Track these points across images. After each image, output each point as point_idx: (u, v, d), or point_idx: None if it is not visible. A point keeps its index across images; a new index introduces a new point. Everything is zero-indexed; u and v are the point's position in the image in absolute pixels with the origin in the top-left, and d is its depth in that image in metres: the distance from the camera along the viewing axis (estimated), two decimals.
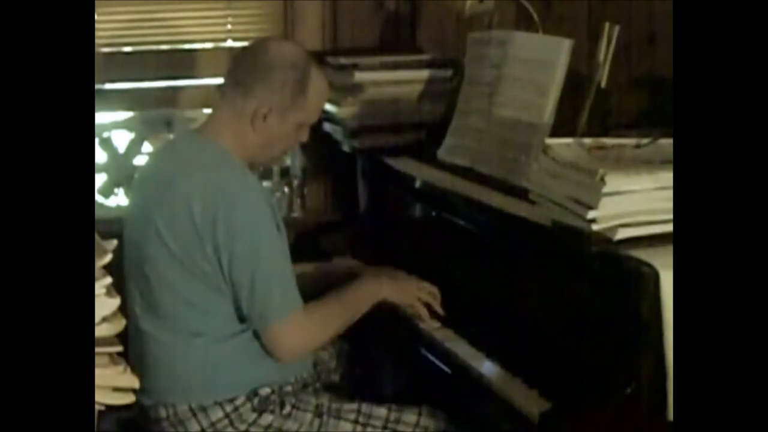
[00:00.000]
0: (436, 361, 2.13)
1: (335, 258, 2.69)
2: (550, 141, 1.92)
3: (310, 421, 2.01)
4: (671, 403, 1.63)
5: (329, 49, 3.00)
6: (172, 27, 3.01)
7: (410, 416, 2.06)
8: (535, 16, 2.60)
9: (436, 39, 3.06)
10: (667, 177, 1.67)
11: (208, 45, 3.04)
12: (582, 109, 2.25)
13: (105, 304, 1.34)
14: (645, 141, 1.90)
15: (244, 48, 2.18)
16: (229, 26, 3.04)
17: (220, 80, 2.10)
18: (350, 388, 2.29)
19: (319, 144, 2.89)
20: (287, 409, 2.01)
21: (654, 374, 1.64)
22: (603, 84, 2.24)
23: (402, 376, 2.51)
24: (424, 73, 2.80)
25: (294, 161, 3.03)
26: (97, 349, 1.33)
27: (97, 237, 1.39)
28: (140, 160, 3.04)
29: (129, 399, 1.39)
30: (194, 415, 1.97)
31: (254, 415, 1.99)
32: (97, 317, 1.33)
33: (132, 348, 1.99)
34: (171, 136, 3.04)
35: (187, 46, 3.02)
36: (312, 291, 2.08)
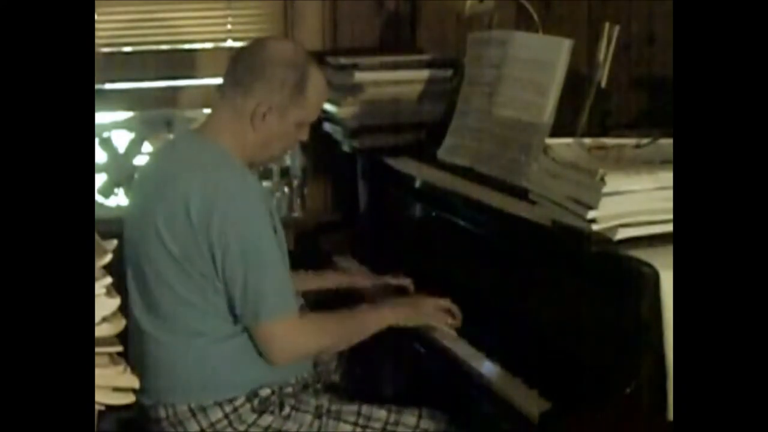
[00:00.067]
0: (436, 361, 2.13)
1: (335, 258, 2.70)
2: (550, 141, 1.92)
3: (310, 422, 2.01)
4: (671, 403, 1.64)
5: (329, 49, 3.00)
6: (172, 27, 3.01)
7: (410, 418, 2.06)
8: (535, 16, 2.60)
9: (436, 39, 3.06)
10: (667, 177, 1.67)
11: (208, 45, 3.04)
12: (582, 109, 2.25)
13: (105, 304, 1.34)
14: (645, 141, 1.90)
15: (242, 47, 2.18)
16: (229, 26, 3.04)
17: (220, 80, 2.10)
18: (350, 389, 2.29)
19: (319, 144, 2.90)
20: (287, 410, 2.01)
21: (654, 374, 1.64)
22: (603, 84, 2.24)
23: (402, 376, 2.51)
24: (424, 73, 2.81)
25: (294, 161, 3.03)
26: (97, 349, 1.33)
27: (97, 237, 1.39)
28: (140, 160, 3.04)
29: (129, 399, 1.39)
30: (194, 415, 1.97)
31: (254, 416, 1.98)
32: (97, 317, 1.33)
33: (132, 348, 1.99)
34: (171, 136, 3.04)
35: (187, 46, 3.02)
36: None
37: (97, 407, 1.34)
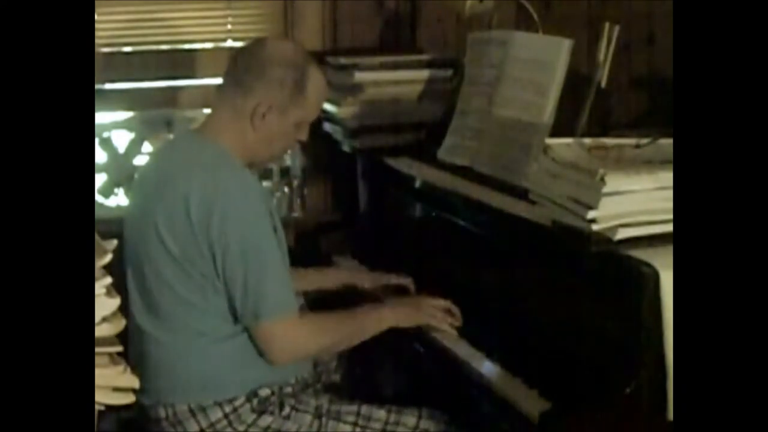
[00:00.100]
0: (436, 361, 2.13)
1: (335, 258, 2.70)
2: (550, 141, 1.92)
3: (310, 422, 2.01)
4: (671, 403, 1.64)
5: (329, 49, 3.00)
6: (172, 27, 3.01)
7: (410, 418, 2.06)
8: (535, 16, 2.60)
9: (436, 39, 3.06)
10: (667, 177, 1.67)
11: (208, 45, 3.04)
12: (582, 109, 2.25)
13: (105, 304, 1.34)
14: (645, 141, 1.90)
15: (242, 47, 2.18)
16: (229, 26, 3.04)
17: (220, 80, 2.10)
18: (350, 389, 2.29)
19: (319, 144, 2.90)
20: (286, 410, 2.01)
21: (654, 374, 1.64)
22: (603, 84, 2.24)
23: (402, 377, 2.51)
24: (424, 73, 2.81)
25: (294, 161, 3.03)
26: (97, 349, 1.33)
27: (97, 237, 1.39)
28: (140, 160, 3.04)
29: (129, 399, 1.39)
30: (193, 415, 1.97)
31: (253, 416, 1.98)
32: (97, 317, 1.33)
33: (132, 348, 1.99)
34: (171, 136, 3.04)
35: (187, 46, 3.02)
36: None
37: (97, 407, 1.34)
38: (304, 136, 2.14)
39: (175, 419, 1.98)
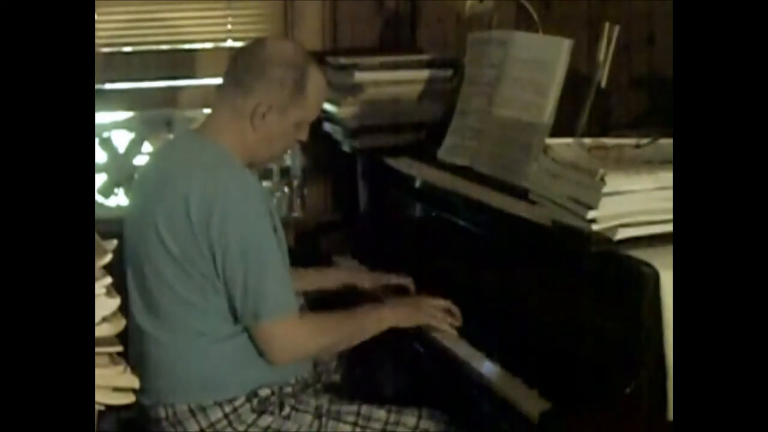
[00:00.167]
0: (436, 361, 2.13)
1: (335, 258, 2.70)
2: (550, 141, 1.92)
3: (310, 422, 2.01)
4: (671, 403, 1.64)
5: (329, 49, 3.00)
6: (172, 27, 3.01)
7: (410, 418, 2.06)
8: (535, 16, 2.60)
9: (436, 39, 3.06)
10: (667, 177, 1.67)
11: (208, 45, 3.04)
12: (582, 109, 2.25)
13: (105, 304, 1.34)
14: (645, 141, 1.90)
15: (242, 47, 2.18)
16: (229, 26, 3.04)
17: (220, 80, 2.10)
18: (350, 389, 2.29)
19: (319, 144, 2.90)
20: (286, 410, 2.01)
21: (654, 374, 1.64)
22: (603, 84, 2.24)
23: (402, 377, 2.51)
24: (424, 73, 2.81)
25: (294, 161, 3.03)
26: (97, 349, 1.33)
27: (97, 237, 1.39)
28: (140, 160, 3.04)
29: (129, 399, 1.39)
30: (193, 415, 1.97)
31: (253, 416, 1.98)
32: (97, 317, 1.33)
33: (132, 348, 1.99)
34: (171, 136, 3.04)
35: (187, 46, 3.02)
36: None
37: (97, 407, 1.34)
38: (304, 136, 2.14)
39: (175, 419, 1.98)
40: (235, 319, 1.97)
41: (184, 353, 1.99)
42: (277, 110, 2.04)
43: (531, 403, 1.78)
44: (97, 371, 1.31)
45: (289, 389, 2.04)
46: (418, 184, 2.47)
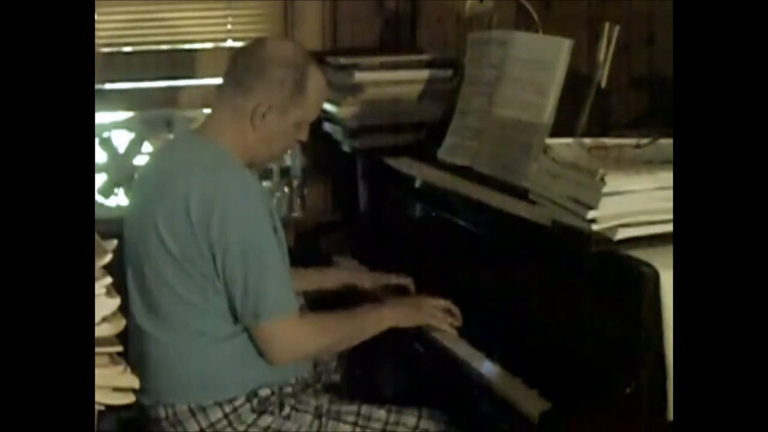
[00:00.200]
0: (436, 361, 2.13)
1: (335, 258, 2.70)
2: (550, 141, 1.92)
3: (310, 422, 2.01)
4: (671, 403, 1.64)
5: (329, 49, 3.00)
6: (172, 27, 3.01)
7: (410, 418, 2.06)
8: (535, 16, 2.60)
9: (436, 39, 3.06)
10: (667, 177, 1.67)
11: (208, 45, 3.04)
12: (582, 109, 2.25)
13: (105, 304, 1.34)
14: (645, 141, 1.90)
15: (242, 47, 2.18)
16: (229, 26, 3.04)
17: (220, 80, 2.10)
18: (350, 389, 2.29)
19: (319, 144, 2.90)
20: (286, 410, 2.01)
21: (654, 374, 1.64)
22: (603, 84, 2.24)
23: (402, 376, 2.51)
24: (424, 73, 2.81)
25: (294, 161, 3.03)
26: (97, 349, 1.33)
27: (97, 237, 1.39)
28: (140, 160, 3.04)
29: (129, 399, 1.39)
30: (193, 415, 1.97)
31: (253, 416, 1.98)
32: (97, 317, 1.33)
33: (132, 348, 1.99)
34: (171, 136, 3.04)
35: (187, 46, 3.02)
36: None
37: (97, 407, 1.34)
38: (304, 136, 2.14)
39: (175, 419, 1.98)
40: (235, 319, 1.97)
41: (184, 353, 1.99)
42: (278, 110, 2.04)
43: (531, 403, 1.78)
44: (97, 371, 1.31)
45: (289, 389, 2.04)
46: (418, 184, 2.47)
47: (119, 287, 1.42)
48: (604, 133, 2.17)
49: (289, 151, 2.88)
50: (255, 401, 1.99)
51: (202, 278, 1.95)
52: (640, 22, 3.04)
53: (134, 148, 3.06)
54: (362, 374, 2.38)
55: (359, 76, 2.75)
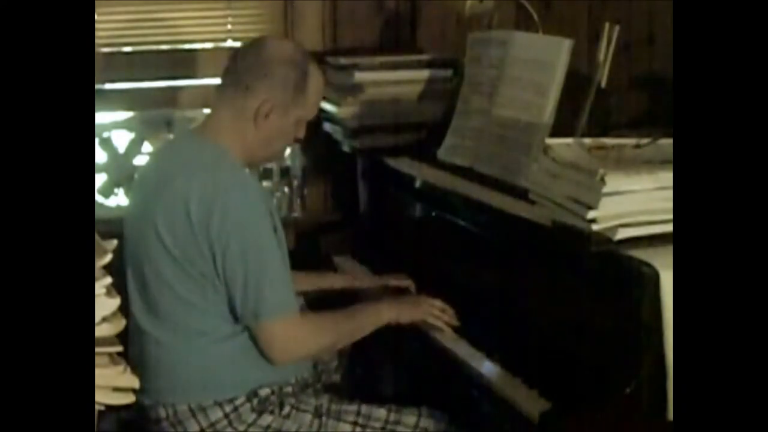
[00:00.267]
0: (436, 361, 2.13)
1: (335, 258, 2.70)
2: (550, 141, 1.92)
3: (310, 422, 2.01)
4: (671, 403, 1.64)
5: (329, 49, 3.00)
6: (172, 27, 3.01)
7: (410, 417, 2.06)
8: (535, 16, 2.60)
9: (436, 39, 3.06)
10: (667, 177, 1.67)
11: (208, 45, 3.04)
12: (582, 109, 2.24)
13: (105, 304, 1.34)
14: (645, 141, 1.90)
15: (242, 47, 2.18)
16: (229, 26, 3.04)
17: (219, 80, 2.10)
18: (350, 389, 2.29)
19: (319, 144, 2.90)
20: (287, 409, 2.01)
21: (654, 374, 1.64)
22: (603, 84, 2.24)
23: (402, 376, 2.51)
24: (424, 73, 2.81)
25: (294, 161, 3.03)
26: (97, 349, 1.33)
27: (97, 237, 1.39)
28: (140, 160, 3.04)
29: (129, 399, 1.39)
30: (194, 415, 1.97)
31: (254, 416, 1.99)
32: (97, 317, 1.33)
33: (132, 348, 1.99)
34: (171, 136, 3.04)
35: (187, 46, 3.02)
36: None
37: (97, 407, 1.34)
38: (302, 133, 2.15)
39: (175, 419, 1.99)
40: (235, 319, 1.97)
41: (184, 353, 1.99)
42: (280, 109, 2.04)
43: (531, 403, 1.78)
44: (97, 371, 1.31)
45: (289, 389, 2.04)
46: (418, 184, 2.47)
47: (119, 287, 1.42)
48: (604, 133, 2.16)
49: (288, 151, 2.88)
50: (255, 401, 1.99)
51: (202, 278, 1.95)
52: (640, 22, 3.04)
53: (134, 148, 3.06)
54: (362, 374, 2.38)
55: (359, 76, 2.75)
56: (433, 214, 2.43)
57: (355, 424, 2.03)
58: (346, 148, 2.85)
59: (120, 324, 1.38)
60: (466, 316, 2.15)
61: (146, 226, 1.98)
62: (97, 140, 3.00)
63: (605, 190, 1.67)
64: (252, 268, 1.92)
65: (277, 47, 2.08)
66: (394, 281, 2.38)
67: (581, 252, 1.74)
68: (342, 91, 2.76)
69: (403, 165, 2.59)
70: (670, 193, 1.64)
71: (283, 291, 1.96)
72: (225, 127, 2.05)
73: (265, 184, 2.99)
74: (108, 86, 2.96)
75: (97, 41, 2.84)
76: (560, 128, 2.19)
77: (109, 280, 1.35)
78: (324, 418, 2.02)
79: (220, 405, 1.97)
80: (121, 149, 3.06)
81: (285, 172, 3.04)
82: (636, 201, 1.70)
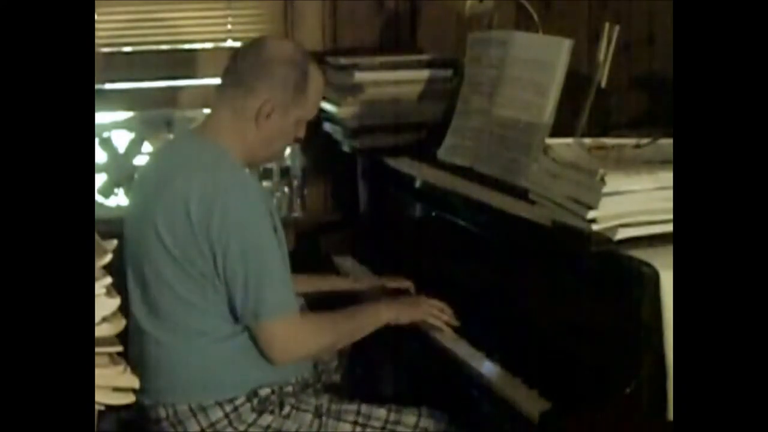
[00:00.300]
0: (436, 361, 2.13)
1: (335, 258, 2.70)
2: (550, 141, 1.92)
3: (310, 421, 2.01)
4: (671, 403, 1.64)
5: (329, 49, 3.00)
6: (172, 27, 3.01)
7: (410, 417, 2.06)
8: (535, 16, 2.60)
9: (436, 39, 3.06)
10: (667, 177, 1.67)
11: (208, 45, 3.04)
12: (582, 109, 2.24)
13: (105, 304, 1.34)
14: (645, 141, 1.90)
15: (242, 47, 2.18)
16: (229, 26, 3.04)
17: (219, 80, 2.10)
18: (350, 389, 2.29)
19: (319, 144, 2.90)
20: (287, 409, 2.01)
21: (654, 374, 1.64)
22: (603, 84, 2.24)
23: (402, 376, 2.51)
24: (424, 73, 2.81)
25: (294, 161, 3.03)
26: (97, 349, 1.33)
27: (97, 237, 1.39)
28: (140, 160, 3.04)
29: (129, 399, 1.39)
30: (194, 415, 1.97)
31: (254, 416, 1.99)
32: (97, 317, 1.33)
33: (132, 348, 1.99)
34: (171, 136, 3.04)
35: (187, 46, 3.02)
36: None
37: (97, 407, 1.34)
38: (301, 133, 2.15)
39: (175, 419, 1.99)
40: (235, 319, 1.97)
41: (184, 353, 1.99)
42: (281, 109, 2.04)
43: (531, 403, 1.78)
44: (97, 371, 1.31)
45: (289, 389, 2.04)
46: (418, 184, 2.47)
47: (119, 287, 1.42)
48: (604, 133, 2.16)
49: (288, 151, 2.88)
50: (255, 401, 1.99)
51: (202, 278, 1.95)
52: (640, 22, 3.04)
53: (134, 148, 3.06)
54: (362, 374, 2.38)
55: (359, 76, 2.75)
56: (433, 214, 2.43)
57: (355, 423, 2.03)
58: (346, 148, 2.85)
59: (120, 324, 1.38)
60: (466, 316, 2.15)
61: (146, 226, 1.98)
62: (97, 140, 3.00)
63: (605, 190, 1.67)
64: (252, 268, 1.92)
65: (278, 47, 2.08)
66: (393, 283, 2.38)
67: (581, 252, 1.74)
68: (342, 91, 2.76)
69: (403, 165, 2.59)
70: (670, 193, 1.63)
71: (283, 291, 1.96)
72: (225, 127, 2.05)
73: (265, 184, 2.99)
74: (108, 86, 2.96)
75: (97, 41, 2.84)
76: (560, 128, 2.19)
77: (109, 280, 1.35)
78: (324, 418, 2.02)
79: (220, 405, 1.97)
80: (121, 149, 3.06)
81: (285, 172, 3.04)
82: (636, 201, 1.70)
